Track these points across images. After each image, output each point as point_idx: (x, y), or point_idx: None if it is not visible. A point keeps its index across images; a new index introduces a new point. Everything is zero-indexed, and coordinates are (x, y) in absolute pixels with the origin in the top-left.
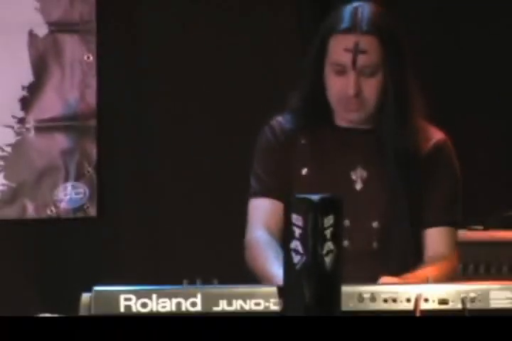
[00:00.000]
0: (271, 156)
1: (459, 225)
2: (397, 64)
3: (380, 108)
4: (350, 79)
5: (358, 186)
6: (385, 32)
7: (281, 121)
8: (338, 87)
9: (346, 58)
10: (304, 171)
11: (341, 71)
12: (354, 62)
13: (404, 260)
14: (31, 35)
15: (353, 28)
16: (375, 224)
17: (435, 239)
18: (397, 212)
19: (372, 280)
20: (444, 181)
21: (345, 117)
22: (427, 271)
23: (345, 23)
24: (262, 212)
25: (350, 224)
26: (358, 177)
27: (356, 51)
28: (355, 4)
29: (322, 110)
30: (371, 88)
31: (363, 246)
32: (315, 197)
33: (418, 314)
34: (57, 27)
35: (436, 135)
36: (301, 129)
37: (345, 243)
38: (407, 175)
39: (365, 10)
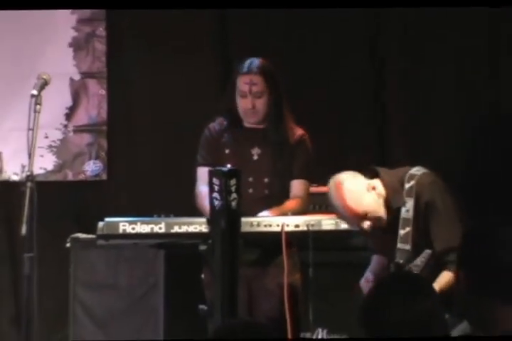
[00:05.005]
0: (209, 144)
1: (310, 181)
2: (274, 90)
3: (267, 116)
4: (248, 100)
5: (255, 158)
6: (267, 73)
7: (214, 125)
8: (243, 105)
9: (246, 88)
10: (227, 151)
11: (244, 96)
12: (250, 90)
13: (282, 200)
14: (71, 79)
15: (249, 71)
16: (266, 180)
17: (295, 187)
18: (278, 172)
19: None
20: (302, 157)
21: (248, 121)
22: (289, 206)
23: (245, 69)
24: (205, 175)
25: (252, 180)
26: (255, 153)
27: (251, 84)
28: (250, 59)
29: (236, 118)
30: (260, 104)
31: (259, 193)
32: (225, 169)
33: (283, 234)
34: (85, 75)
35: (299, 131)
36: (225, 129)
37: (250, 190)
38: (283, 153)
39: (255, 61)
